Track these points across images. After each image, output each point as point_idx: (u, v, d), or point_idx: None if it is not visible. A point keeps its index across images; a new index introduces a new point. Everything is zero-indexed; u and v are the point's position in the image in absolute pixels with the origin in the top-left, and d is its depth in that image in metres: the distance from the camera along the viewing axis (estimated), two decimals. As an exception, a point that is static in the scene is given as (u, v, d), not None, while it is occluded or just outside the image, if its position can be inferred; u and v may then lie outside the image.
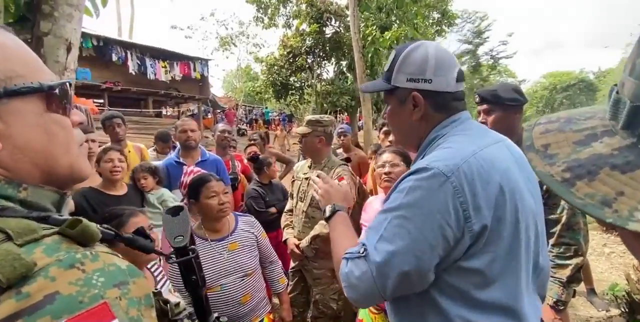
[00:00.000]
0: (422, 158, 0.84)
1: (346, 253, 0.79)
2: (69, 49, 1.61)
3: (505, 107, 1.58)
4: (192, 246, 0.56)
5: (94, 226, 0.40)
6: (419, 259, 0.69)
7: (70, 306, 0.32)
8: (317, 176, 1.13)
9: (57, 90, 0.46)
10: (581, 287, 3.21)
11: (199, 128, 2.85)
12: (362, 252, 0.73)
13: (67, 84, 0.49)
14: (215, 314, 0.66)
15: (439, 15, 15.87)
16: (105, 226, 0.47)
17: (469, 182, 0.69)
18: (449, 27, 16.36)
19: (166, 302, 0.53)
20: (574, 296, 1.51)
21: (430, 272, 0.72)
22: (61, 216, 0.42)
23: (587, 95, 35.11)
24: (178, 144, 2.80)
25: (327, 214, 1.01)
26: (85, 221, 0.39)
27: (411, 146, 0.95)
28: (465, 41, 27.45)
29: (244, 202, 3.20)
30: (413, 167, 0.76)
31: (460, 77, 0.84)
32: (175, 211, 0.60)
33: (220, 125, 3.36)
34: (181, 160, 2.65)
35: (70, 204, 1.85)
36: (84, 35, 10.62)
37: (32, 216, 0.40)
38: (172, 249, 0.55)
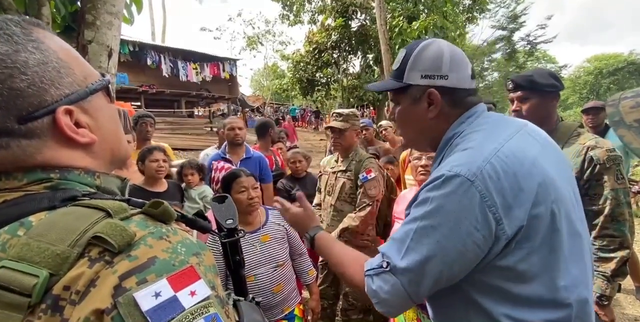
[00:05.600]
0: (440, 162, 0.83)
1: (367, 270, 0.77)
2: (110, 55, 1.70)
3: (542, 94, 1.47)
4: (241, 228, 0.61)
5: (171, 207, 0.47)
6: (449, 267, 0.69)
7: (167, 267, 0.39)
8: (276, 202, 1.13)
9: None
10: (629, 284, 3.01)
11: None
12: (386, 267, 0.72)
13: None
14: (251, 296, 0.70)
15: (470, 2, 15.20)
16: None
17: (494, 184, 0.67)
18: (480, 14, 15.63)
19: None
20: (619, 291, 1.43)
21: (461, 276, 0.71)
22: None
23: (638, 79, 32.22)
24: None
25: (309, 244, 0.99)
26: (165, 202, 0.46)
27: (425, 146, 0.92)
28: (499, 27, 25.95)
29: None
30: (434, 174, 0.73)
31: (474, 75, 0.85)
32: (221, 199, 0.68)
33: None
34: (227, 156, 2.78)
35: None
36: (122, 41, 11.15)
37: (117, 199, 0.46)
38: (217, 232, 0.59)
